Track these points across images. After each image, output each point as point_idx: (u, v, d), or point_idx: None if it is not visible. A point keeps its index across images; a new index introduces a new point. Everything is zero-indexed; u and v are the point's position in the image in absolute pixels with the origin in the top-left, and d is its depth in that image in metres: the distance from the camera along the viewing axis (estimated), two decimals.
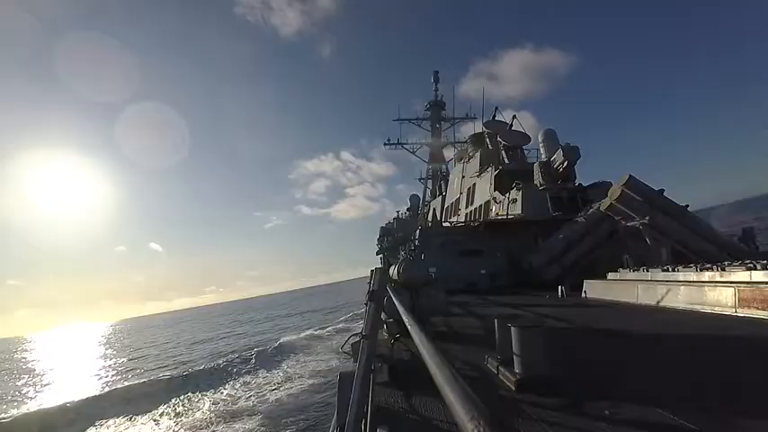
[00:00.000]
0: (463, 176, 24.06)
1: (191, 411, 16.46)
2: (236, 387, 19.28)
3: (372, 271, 3.92)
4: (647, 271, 8.82)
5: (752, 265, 6.41)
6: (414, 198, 41.10)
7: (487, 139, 22.59)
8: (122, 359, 38.12)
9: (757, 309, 5.82)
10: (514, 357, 3.71)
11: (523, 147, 21.40)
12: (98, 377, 29.27)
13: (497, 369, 4.12)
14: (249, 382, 19.77)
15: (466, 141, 28.23)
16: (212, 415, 15.45)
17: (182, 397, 18.29)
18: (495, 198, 18.77)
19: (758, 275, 6.13)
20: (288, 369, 21.45)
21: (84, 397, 20.69)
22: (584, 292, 10.30)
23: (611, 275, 10.09)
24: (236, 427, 13.99)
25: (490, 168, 20.17)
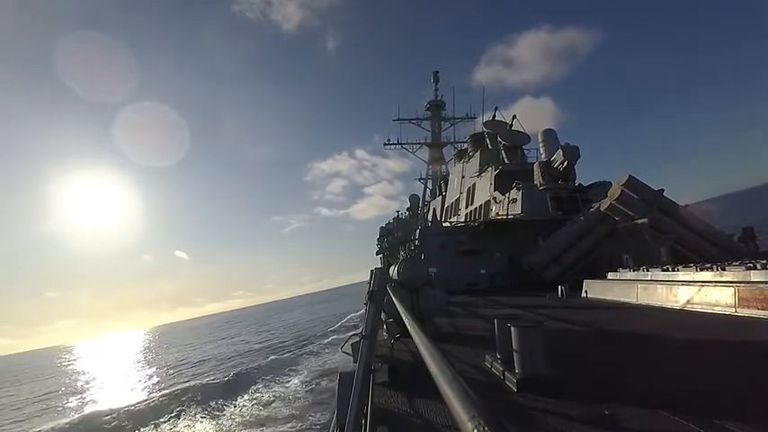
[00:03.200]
0: (463, 176, 24.07)
1: None
2: None
3: (372, 271, 3.92)
4: (647, 271, 8.82)
5: (751, 265, 6.41)
6: (414, 198, 41.11)
7: (487, 139, 22.61)
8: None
9: (757, 308, 5.81)
10: (514, 357, 3.71)
11: (523, 146, 21.42)
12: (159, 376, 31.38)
13: (497, 369, 4.12)
14: None
15: (466, 141, 28.24)
16: None
17: None
18: (495, 198, 18.77)
19: (758, 275, 6.13)
20: None
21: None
22: (585, 291, 10.29)
23: (611, 275, 10.09)
24: None
25: (490, 168, 20.17)
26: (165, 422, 17.50)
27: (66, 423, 18.91)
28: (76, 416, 20.38)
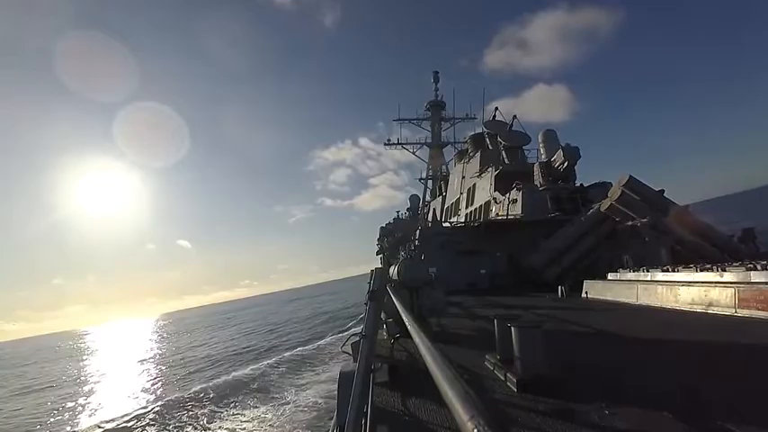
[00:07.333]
0: (463, 177, 24.06)
1: None
2: None
3: (372, 271, 3.94)
4: (647, 271, 8.82)
5: (752, 266, 6.42)
6: (414, 198, 41.14)
7: (488, 140, 22.61)
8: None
9: (757, 309, 5.82)
10: (514, 357, 3.71)
11: (523, 147, 21.43)
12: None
13: (497, 369, 4.12)
14: None
15: (466, 141, 28.24)
16: None
17: None
18: (495, 198, 18.78)
19: (758, 276, 6.13)
20: None
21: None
22: (585, 292, 10.29)
23: (611, 276, 10.09)
24: None
25: (490, 169, 20.18)
26: None
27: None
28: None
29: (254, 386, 18.34)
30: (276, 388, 17.82)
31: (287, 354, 25.11)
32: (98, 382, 27.77)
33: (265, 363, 22.94)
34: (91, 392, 23.77)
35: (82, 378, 30.36)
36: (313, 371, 20.41)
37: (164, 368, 29.09)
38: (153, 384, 23.29)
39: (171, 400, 17.63)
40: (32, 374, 38.63)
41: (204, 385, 19.27)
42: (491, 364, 4.33)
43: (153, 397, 19.55)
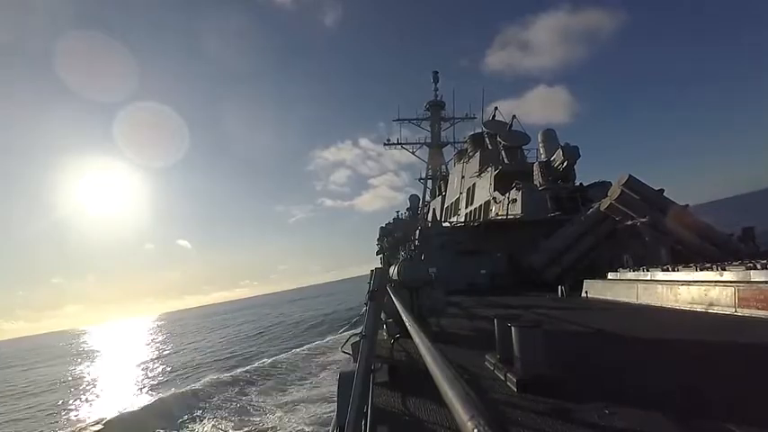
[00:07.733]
0: (463, 176, 24.06)
1: None
2: None
3: (372, 271, 3.93)
4: (647, 271, 8.82)
5: (752, 265, 6.41)
6: (413, 198, 41.10)
7: (487, 140, 22.61)
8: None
9: (757, 308, 5.81)
10: (515, 357, 3.71)
11: (523, 147, 21.42)
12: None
13: (497, 369, 4.12)
14: None
15: (466, 141, 28.23)
16: None
17: None
18: (494, 198, 18.78)
19: (758, 275, 6.13)
20: None
21: None
22: (585, 291, 10.29)
23: (611, 275, 10.09)
24: None
25: (490, 168, 20.17)
26: None
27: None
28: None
29: (232, 406, 16.52)
30: (256, 409, 16.06)
31: (273, 361, 24.29)
32: (72, 388, 27.48)
33: (250, 372, 21.75)
34: (58, 402, 23.22)
35: (58, 384, 30.19)
36: (301, 384, 19.10)
37: (143, 374, 28.70)
38: (125, 395, 22.62)
39: (128, 419, 16.25)
40: (14, 378, 38.64)
41: (175, 400, 17.92)
42: (491, 364, 4.33)
43: (116, 412, 17.79)
